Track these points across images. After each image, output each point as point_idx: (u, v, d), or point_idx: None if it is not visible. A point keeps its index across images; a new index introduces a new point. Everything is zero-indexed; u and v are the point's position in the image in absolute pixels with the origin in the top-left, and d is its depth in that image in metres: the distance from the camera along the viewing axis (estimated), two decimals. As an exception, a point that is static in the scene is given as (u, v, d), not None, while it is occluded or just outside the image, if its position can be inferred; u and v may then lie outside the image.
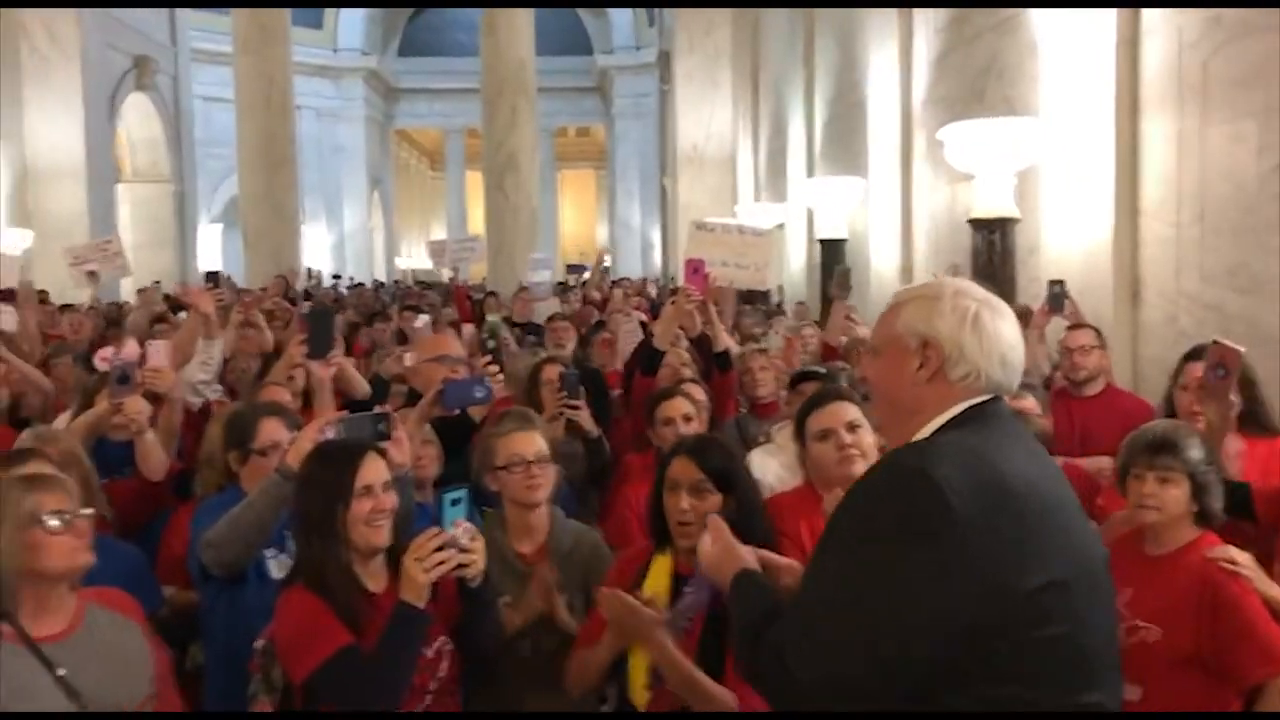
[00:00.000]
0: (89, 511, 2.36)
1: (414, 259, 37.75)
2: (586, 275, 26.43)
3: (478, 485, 3.17)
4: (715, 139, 18.74)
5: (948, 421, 1.71)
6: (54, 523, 2.28)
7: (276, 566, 3.09)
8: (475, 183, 35.39)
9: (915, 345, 1.74)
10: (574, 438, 4.36)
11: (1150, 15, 5.53)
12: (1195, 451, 2.88)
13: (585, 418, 4.33)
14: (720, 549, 2.03)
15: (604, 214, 39.10)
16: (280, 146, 16.60)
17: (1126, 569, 2.94)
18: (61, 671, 2.27)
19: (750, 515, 2.55)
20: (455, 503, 2.52)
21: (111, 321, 8.97)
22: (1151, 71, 5.53)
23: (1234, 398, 3.33)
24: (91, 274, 8.52)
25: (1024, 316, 5.25)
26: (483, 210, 18.09)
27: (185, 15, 20.42)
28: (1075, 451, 4.05)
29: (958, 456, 1.62)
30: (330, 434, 2.91)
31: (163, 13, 19.40)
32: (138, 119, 19.18)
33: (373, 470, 2.59)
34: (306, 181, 23.94)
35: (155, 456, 3.78)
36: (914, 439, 1.72)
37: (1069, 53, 6.10)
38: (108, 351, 4.71)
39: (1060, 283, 5.14)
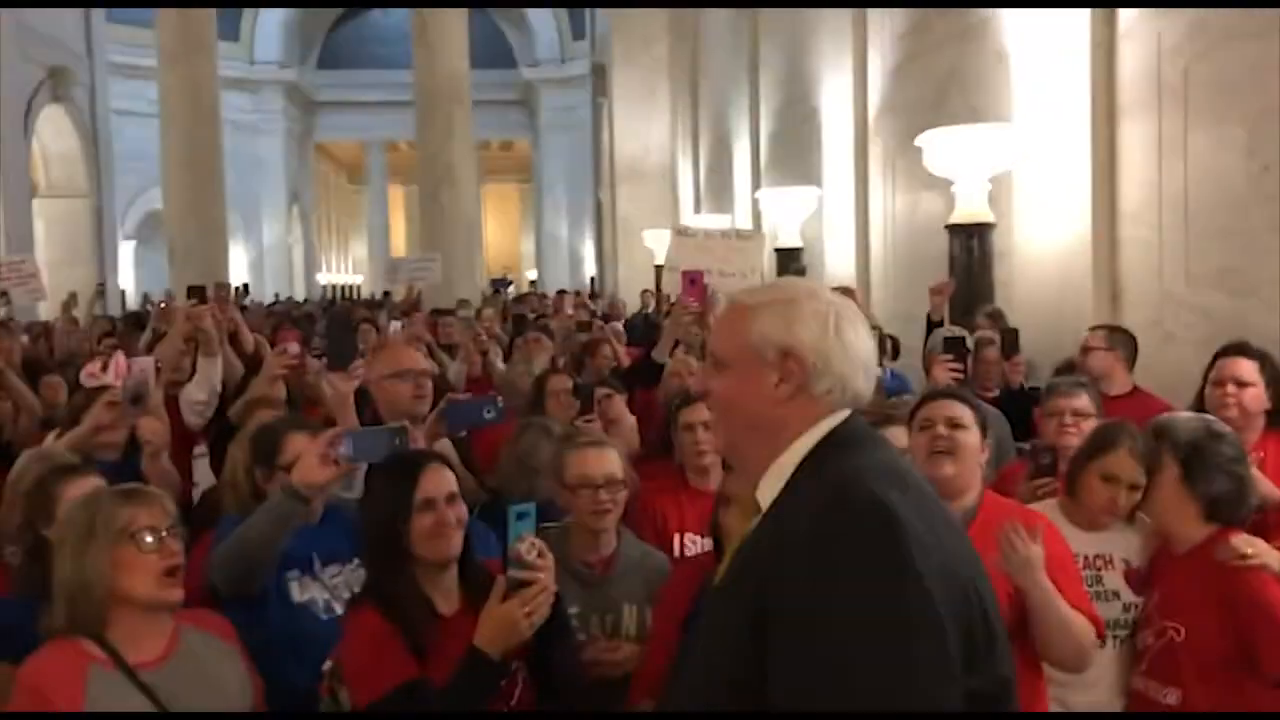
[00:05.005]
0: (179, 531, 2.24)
1: (334, 274, 37.12)
2: (511, 290, 26.37)
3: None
4: (655, 151, 18.72)
5: (822, 441, 1.53)
6: (149, 539, 2.15)
7: (299, 589, 2.93)
8: (395, 197, 35.23)
9: (774, 357, 1.54)
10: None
11: (1127, 20, 5.59)
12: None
13: (597, 430, 4.21)
14: None
15: (528, 227, 38.95)
16: (208, 159, 16.08)
17: (1157, 570, 2.92)
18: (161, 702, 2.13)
19: None
20: (521, 516, 2.37)
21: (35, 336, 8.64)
22: (1129, 76, 5.59)
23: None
24: (2, 294, 8.12)
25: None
26: (404, 224, 17.81)
27: (102, 26, 19.75)
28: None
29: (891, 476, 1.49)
30: (342, 449, 2.71)
31: (79, 23, 18.76)
32: (52, 133, 18.50)
33: (433, 482, 2.45)
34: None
35: (169, 478, 3.62)
36: (779, 462, 1.54)
37: (1039, 59, 6.15)
38: (95, 367, 4.54)
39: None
